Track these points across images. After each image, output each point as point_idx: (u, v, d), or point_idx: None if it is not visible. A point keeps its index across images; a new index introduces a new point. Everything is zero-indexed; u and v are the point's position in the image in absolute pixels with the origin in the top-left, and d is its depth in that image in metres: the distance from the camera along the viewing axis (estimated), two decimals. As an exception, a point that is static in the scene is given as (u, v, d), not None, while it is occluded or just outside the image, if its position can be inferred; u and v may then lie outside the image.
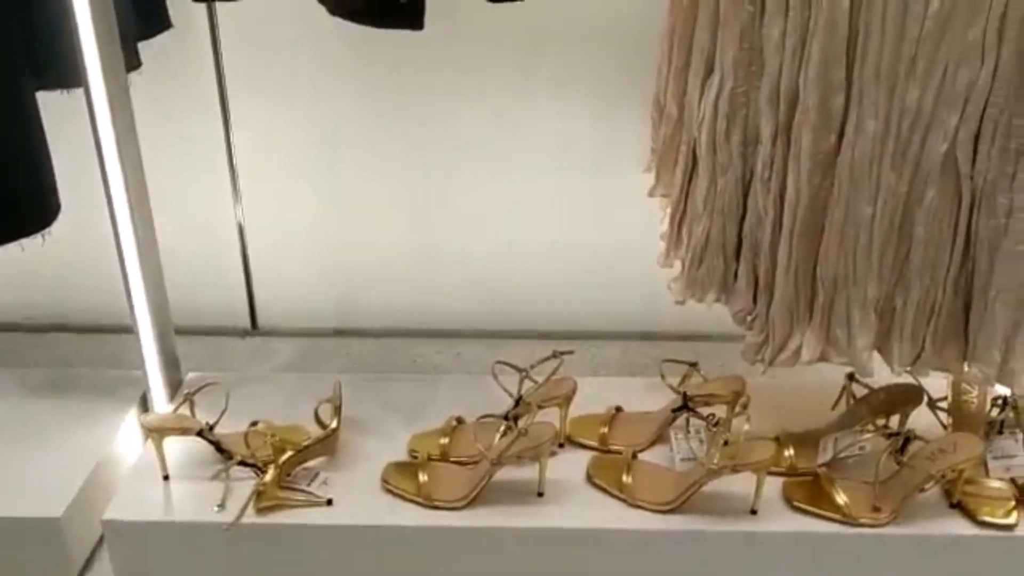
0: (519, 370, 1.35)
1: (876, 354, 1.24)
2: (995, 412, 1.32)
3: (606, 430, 1.38)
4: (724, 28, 1.19)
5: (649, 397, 1.43)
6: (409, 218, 1.77)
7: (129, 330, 1.43)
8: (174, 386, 1.49)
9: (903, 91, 1.09)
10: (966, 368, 1.20)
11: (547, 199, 1.74)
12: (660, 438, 1.38)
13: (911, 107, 1.09)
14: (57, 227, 1.36)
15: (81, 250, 1.60)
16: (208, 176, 1.73)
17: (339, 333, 1.86)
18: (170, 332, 1.48)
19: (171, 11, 1.51)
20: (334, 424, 1.32)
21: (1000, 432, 1.30)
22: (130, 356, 1.46)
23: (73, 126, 1.33)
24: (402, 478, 1.29)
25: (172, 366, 1.50)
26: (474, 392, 1.44)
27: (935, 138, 1.10)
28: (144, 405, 1.48)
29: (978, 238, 1.14)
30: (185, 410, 1.35)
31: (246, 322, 1.86)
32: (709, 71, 1.25)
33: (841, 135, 1.14)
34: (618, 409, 1.42)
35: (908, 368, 1.23)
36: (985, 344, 1.17)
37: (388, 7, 1.05)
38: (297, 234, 1.79)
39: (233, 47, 1.62)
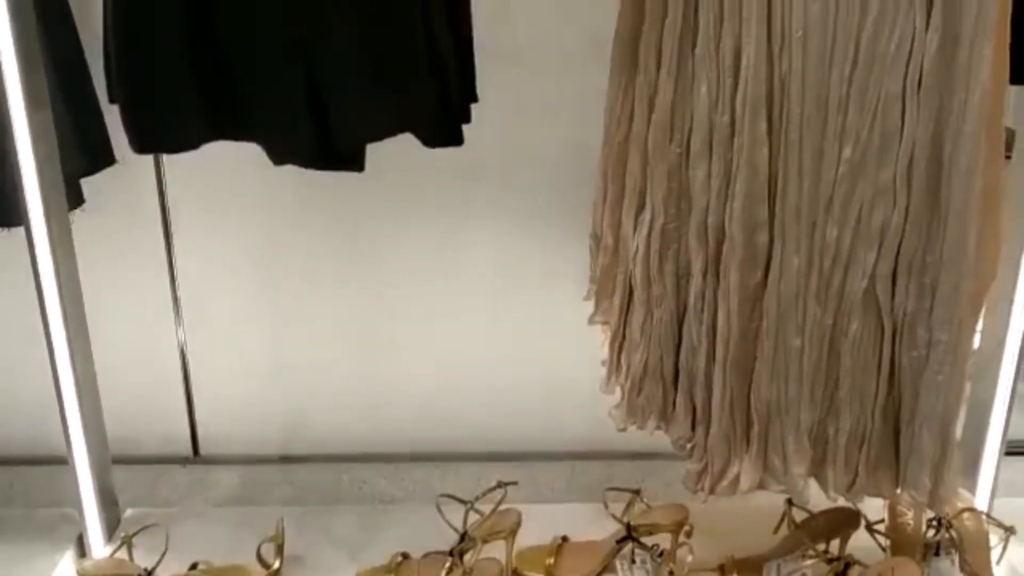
0: (463, 502, 1.35)
1: (813, 480, 1.27)
2: (931, 534, 1.34)
3: (552, 561, 1.37)
4: (653, 169, 1.24)
5: (596, 524, 1.43)
6: (353, 343, 1.78)
7: (64, 461, 1.41)
8: (112, 524, 1.46)
9: (823, 229, 1.14)
10: (899, 493, 1.23)
11: (489, 322, 1.76)
12: (607, 568, 1.38)
13: (831, 245, 1.15)
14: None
15: (16, 378, 1.58)
16: (150, 300, 1.73)
17: (284, 460, 1.84)
18: (107, 466, 1.46)
19: (115, 145, 1.53)
20: (276, 565, 1.30)
21: (937, 554, 1.32)
22: (66, 489, 1.43)
23: (13, 258, 1.33)
24: (345, 618, 1.27)
25: (109, 502, 1.47)
26: (420, 522, 1.42)
27: (855, 274, 1.15)
28: (80, 546, 1.44)
29: (901, 368, 1.18)
30: (123, 553, 1.32)
31: (188, 450, 1.84)
32: (641, 206, 1.30)
33: (767, 270, 1.18)
34: (564, 539, 1.42)
35: (844, 494, 1.25)
36: (915, 470, 1.20)
37: (332, 155, 1.08)
38: (240, 360, 1.79)
39: (177, 174, 1.64)
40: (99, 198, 1.50)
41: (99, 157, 1.51)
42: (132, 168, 1.58)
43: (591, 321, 1.50)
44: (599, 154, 1.40)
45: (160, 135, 1.09)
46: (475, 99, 1.28)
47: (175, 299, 1.73)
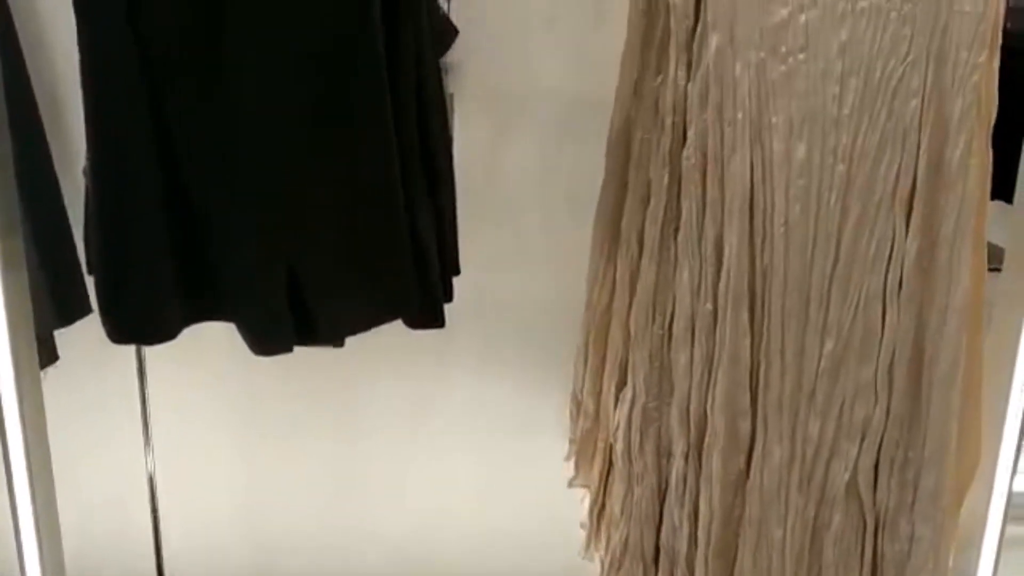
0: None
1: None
2: None
3: None
4: (635, 349, 1.23)
5: None
6: (327, 487, 1.75)
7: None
8: None
9: (805, 421, 1.14)
10: None
11: (465, 470, 1.74)
12: None
13: (813, 437, 1.14)
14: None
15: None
16: (122, 445, 1.70)
17: (254, 604, 1.80)
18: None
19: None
20: None
21: None
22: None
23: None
24: None
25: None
26: None
27: (838, 466, 1.14)
28: None
29: (884, 561, 1.16)
30: None
31: (154, 593, 1.79)
32: (623, 378, 1.29)
33: (750, 457, 1.17)
34: None
35: None
36: (900, 665, 1.18)
37: (312, 342, 1.07)
38: (212, 503, 1.75)
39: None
40: (74, 348, 1.47)
41: (75, 309, 1.49)
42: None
43: (571, 484, 1.48)
44: (581, 314, 1.40)
45: (138, 327, 1.08)
46: (457, 272, 1.28)
47: (147, 444, 1.70)
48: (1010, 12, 1.23)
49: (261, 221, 1.04)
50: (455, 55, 1.52)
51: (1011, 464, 1.16)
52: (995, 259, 1.23)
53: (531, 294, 1.66)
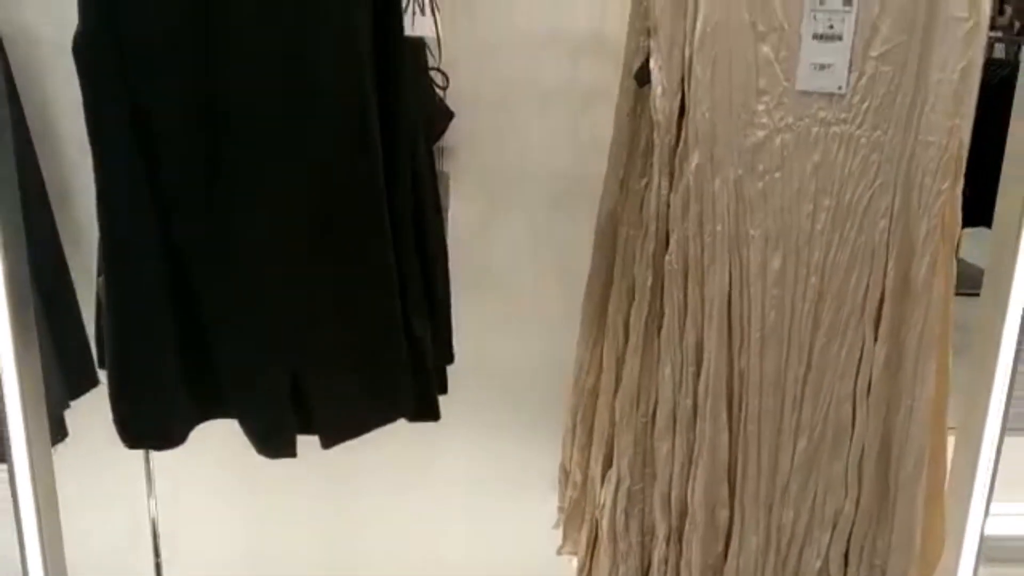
0: None
1: None
2: None
3: None
4: (619, 434, 1.30)
5: None
6: (325, 549, 1.81)
7: None
8: None
9: (779, 512, 1.21)
10: None
11: (462, 528, 1.80)
12: None
13: (787, 526, 1.21)
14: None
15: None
16: (124, 483, 1.74)
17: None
18: None
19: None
20: None
21: None
22: None
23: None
24: None
25: None
26: None
27: (810, 554, 1.22)
28: None
29: (855, 643, 1.24)
30: None
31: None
32: (609, 455, 1.36)
33: (727, 544, 1.24)
34: None
35: None
36: None
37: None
38: (213, 568, 1.81)
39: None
40: (83, 423, 1.53)
41: (83, 380, 1.55)
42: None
43: (559, 552, 1.55)
44: (568, 376, 1.47)
45: (150, 435, 1.14)
46: (451, 361, 1.34)
47: (151, 494, 1.75)
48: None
49: (263, 329, 1.10)
50: (450, 137, 1.58)
51: (975, 551, 1.24)
52: (974, 283, 1.27)
53: (522, 358, 1.71)
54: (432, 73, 1.46)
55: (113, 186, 1.05)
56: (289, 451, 1.13)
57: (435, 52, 1.30)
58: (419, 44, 1.22)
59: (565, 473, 1.51)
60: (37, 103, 1.47)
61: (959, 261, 1.13)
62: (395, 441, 1.74)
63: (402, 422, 1.72)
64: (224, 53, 1.01)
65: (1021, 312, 1.19)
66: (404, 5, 1.09)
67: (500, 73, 1.59)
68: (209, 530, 1.79)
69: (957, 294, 1.13)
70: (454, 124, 1.56)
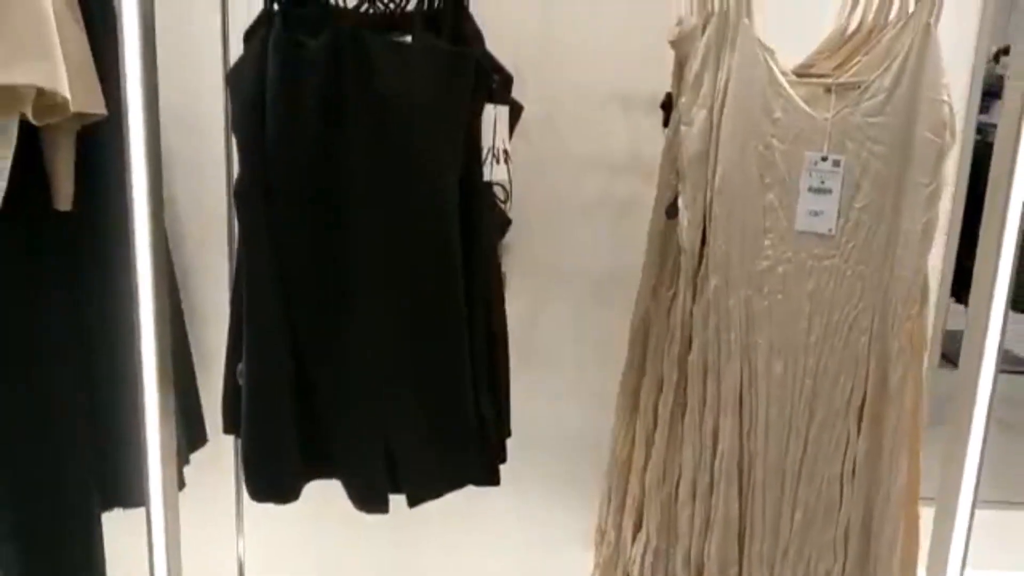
0: None
1: None
2: None
3: None
4: (648, 502, 1.56)
5: None
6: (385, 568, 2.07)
7: None
8: None
9: (780, 571, 1.46)
10: None
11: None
12: None
13: (788, 585, 1.46)
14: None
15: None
16: (215, 523, 2.01)
17: None
18: None
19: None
20: None
21: None
22: None
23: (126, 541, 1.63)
24: None
25: None
26: None
27: (805, 607, 1.46)
28: None
29: None
30: None
31: None
32: (639, 516, 1.62)
33: (738, 598, 1.50)
34: None
35: None
36: None
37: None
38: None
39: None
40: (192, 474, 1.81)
41: (197, 438, 1.83)
42: (215, 444, 1.90)
43: (595, 606, 1.80)
44: (605, 444, 1.72)
45: (273, 492, 1.42)
46: (509, 435, 1.61)
47: (239, 532, 2.02)
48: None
49: (364, 410, 1.38)
50: (508, 239, 1.87)
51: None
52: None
53: (564, 431, 1.98)
54: (495, 188, 1.76)
55: (258, 301, 1.34)
56: (382, 508, 1.40)
57: (508, 189, 1.58)
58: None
59: (600, 533, 1.76)
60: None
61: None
62: (450, 499, 2.01)
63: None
64: (346, 202, 1.31)
65: (989, 387, 1.41)
66: (484, 156, 1.38)
67: (550, 186, 1.89)
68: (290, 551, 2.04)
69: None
70: (511, 229, 1.85)
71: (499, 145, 1.37)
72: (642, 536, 1.59)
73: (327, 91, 1.28)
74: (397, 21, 1.36)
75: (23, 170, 1.33)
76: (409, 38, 1.32)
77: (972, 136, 1.85)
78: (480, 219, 1.38)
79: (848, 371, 1.39)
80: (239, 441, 1.45)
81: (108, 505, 1.64)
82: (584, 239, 1.91)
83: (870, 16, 1.47)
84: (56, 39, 1.30)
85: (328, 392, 1.39)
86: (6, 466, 1.54)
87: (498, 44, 1.56)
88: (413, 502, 1.40)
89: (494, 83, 1.36)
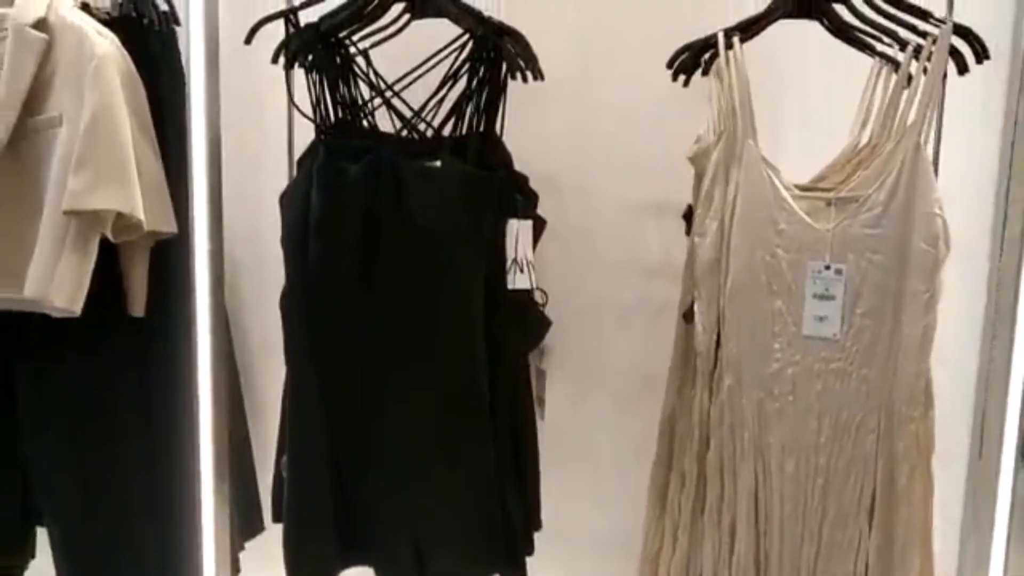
0: None
1: None
2: None
3: None
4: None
5: None
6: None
7: None
8: None
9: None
10: None
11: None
12: None
13: None
14: None
15: None
16: None
17: None
18: None
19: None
20: None
21: None
22: None
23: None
24: None
25: None
26: None
27: None
28: None
29: None
30: None
31: None
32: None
33: None
34: None
35: None
36: None
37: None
38: None
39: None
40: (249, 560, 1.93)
41: (255, 525, 1.96)
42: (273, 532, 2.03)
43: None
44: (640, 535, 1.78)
45: (310, 571, 1.53)
46: (539, 528, 1.69)
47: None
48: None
49: (395, 509, 1.49)
50: (549, 340, 1.98)
51: None
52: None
53: (601, 523, 2.04)
54: (536, 292, 1.88)
55: (298, 401, 1.49)
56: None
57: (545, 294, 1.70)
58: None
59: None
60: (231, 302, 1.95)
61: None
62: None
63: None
64: (379, 312, 1.45)
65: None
66: (508, 266, 1.50)
67: (588, 290, 2.00)
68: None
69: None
70: (552, 330, 1.96)
71: (522, 256, 1.49)
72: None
73: (364, 212, 1.43)
74: (431, 146, 1.51)
75: (101, 279, 1.51)
76: (439, 163, 1.46)
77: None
78: (503, 324, 1.50)
79: (858, 470, 1.44)
80: (284, 529, 1.57)
81: (168, 587, 1.77)
82: (621, 340, 2.01)
83: (876, 132, 1.56)
84: (133, 167, 1.49)
85: (362, 487, 1.51)
86: (79, 542, 1.69)
87: (539, 159, 1.70)
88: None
89: (517, 202, 1.49)
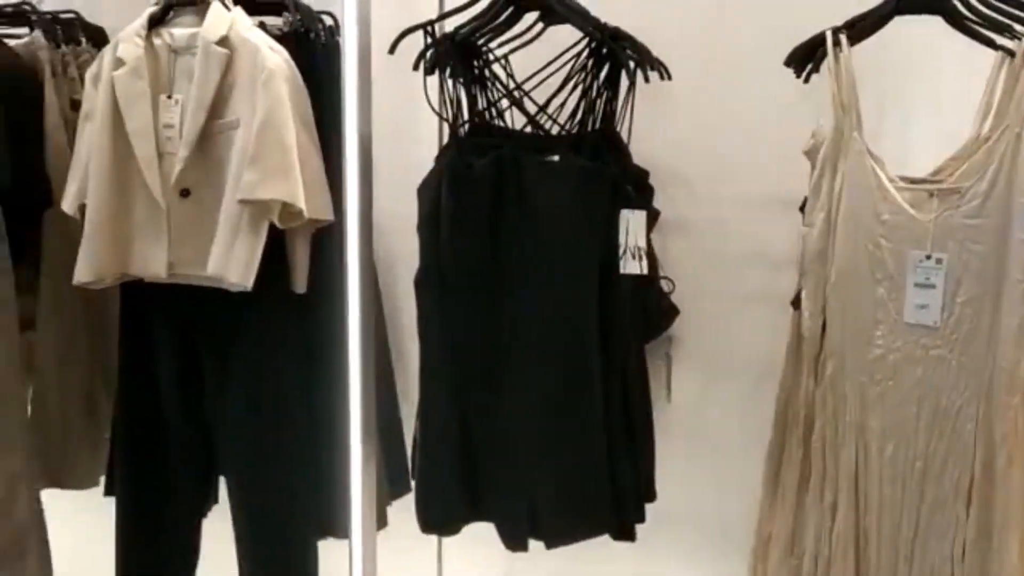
0: None
1: None
2: None
3: None
4: (777, 573, 1.68)
5: None
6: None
7: None
8: None
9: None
10: None
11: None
12: None
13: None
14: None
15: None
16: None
17: None
18: None
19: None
20: None
21: None
22: None
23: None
24: None
25: None
26: None
27: None
28: None
29: None
30: None
31: None
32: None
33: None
34: None
35: None
36: None
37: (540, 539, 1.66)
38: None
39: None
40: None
41: (402, 486, 2.16)
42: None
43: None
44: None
45: (439, 526, 1.72)
46: (653, 499, 1.80)
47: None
48: None
49: (514, 470, 1.65)
50: (676, 328, 2.08)
51: None
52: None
53: (720, 503, 2.11)
54: (663, 282, 1.99)
55: (430, 371, 1.67)
56: (523, 548, 1.66)
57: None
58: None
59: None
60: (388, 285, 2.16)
61: None
62: (616, 556, 2.19)
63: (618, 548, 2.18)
64: (503, 293, 1.62)
65: None
66: (621, 252, 1.63)
67: (716, 281, 2.08)
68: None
69: None
70: (679, 318, 2.06)
71: (633, 243, 1.61)
72: (773, 605, 1.71)
73: (489, 202, 1.59)
74: (551, 143, 1.66)
75: (269, 260, 1.75)
76: (557, 157, 1.61)
77: None
78: (615, 306, 1.62)
79: (956, 455, 1.47)
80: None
81: (322, 534, 2.00)
82: (747, 329, 2.07)
83: (993, 125, 1.58)
84: (297, 163, 1.72)
85: (485, 452, 1.69)
86: (251, 490, 1.95)
87: (670, 155, 1.86)
88: (549, 545, 1.64)
89: (630, 193, 1.62)
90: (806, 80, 1.66)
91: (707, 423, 2.13)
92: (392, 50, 1.72)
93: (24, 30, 2.12)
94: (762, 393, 2.07)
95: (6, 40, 2.08)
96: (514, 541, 1.66)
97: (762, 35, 1.93)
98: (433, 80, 1.73)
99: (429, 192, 1.65)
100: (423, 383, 1.70)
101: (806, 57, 1.62)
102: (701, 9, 2.01)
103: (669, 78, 1.78)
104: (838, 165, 1.56)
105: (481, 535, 1.82)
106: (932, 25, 1.62)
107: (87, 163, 1.80)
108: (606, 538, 1.77)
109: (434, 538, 2.27)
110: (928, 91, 1.90)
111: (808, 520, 1.62)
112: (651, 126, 1.80)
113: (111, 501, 2.02)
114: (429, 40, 1.70)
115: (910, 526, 1.51)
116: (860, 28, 1.58)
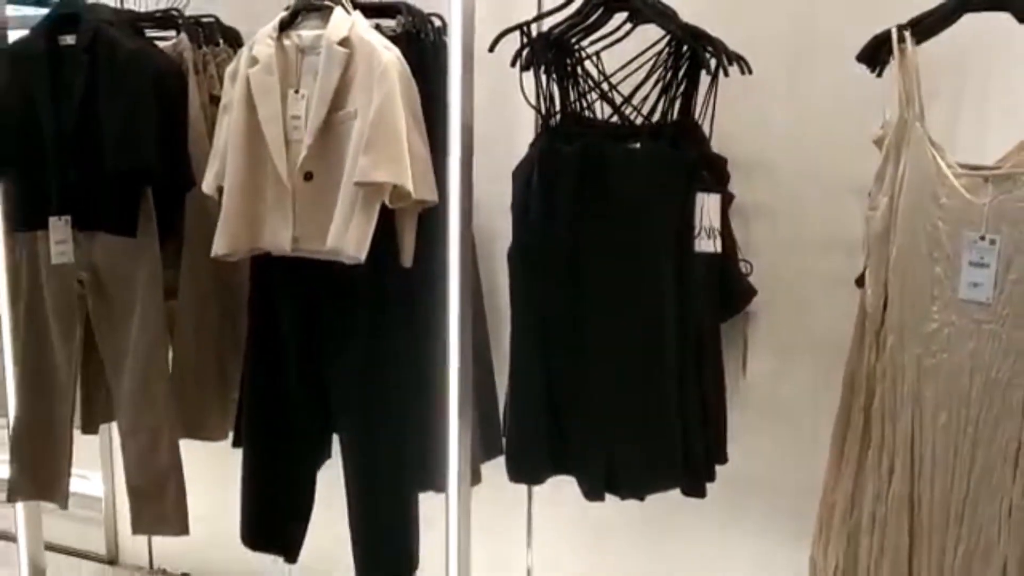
0: None
1: None
2: None
3: None
4: (837, 534, 1.81)
5: None
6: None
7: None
8: None
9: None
10: None
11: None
12: None
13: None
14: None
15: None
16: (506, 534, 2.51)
17: None
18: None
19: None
20: None
21: None
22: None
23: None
24: None
25: None
26: None
27: (969, 636, 1.63)
28: None
29: None
30: None
31: None
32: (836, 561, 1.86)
33: (909, 620, 1.70)
34: None
35: None
36: None
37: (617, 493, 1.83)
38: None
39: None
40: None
41: (494, 449, 2.36)
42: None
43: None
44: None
45: (526, 476, 1.91)
46: (724, 461, 1.95)
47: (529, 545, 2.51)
48: None
49: (596, 427, 1.83)
50: (753, 308, 2.21)
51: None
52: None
53: (798, 473, 2.23)
54: (742, 264, 2.13)
55: (520, 338, 1.86)
56: (600, 499, 1.83)
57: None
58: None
59: (814, 563, 2.01)
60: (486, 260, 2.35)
61: None
62: (693, 517, 2.33)
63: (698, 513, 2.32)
64: (586, 269, 1.80)
65: None
66: (696, 232, 1.79)
67: (794, 263, 2.20)
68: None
69: None
70: (757, 298, 2.19)
71: (708, 224, 1.77)
72: (830, 563, 1.83)
73: (575, 185, 1.77)
74: (633, 131, 1.82)
75: (381, 237, 1.97)
76: (639, 144, 1.77)
77: None
78: (690, 280, 1.78)
79: (1005, 423, 1.58)
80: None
81: (424, 488, 2.21)
82: (823, 310, 2.19)
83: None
84: (406, 150, 1.93)
85: (569, 412, 1.87)
86: (361, 446, 2.17)
87: (754, 144, 2.01)
88: (623, 496, 1.82)
89: (705, 177, 1.77)
90: (879, 74, 1.77)
91: (781, 399, 2.25)
92: (492, 48, 1.91)
93: (171, 33, 2.40)
94: (834, 371, 2.17)
95: (156, 42, 2.37)
96: (593, 493, 1.84)
97: (843, 29, 2.05)
98: (528, 75, 1.92)
99: (522, 175, 1.83)
100: (513, 349, 1.89)
101: (874, 53, 1.74)
102: (789, 3, 2.14)
103: (750, 72, 1.92)
104: (901, 152, 1.68)
105: (563, 491, 2.00)
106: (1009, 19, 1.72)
107: (225, 150, 2.05)
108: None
109: (523, 494, 2.47)
110: (1003, 85, 1.99)
111: (867, 483, 1.74)
112: (735, 116, 1.95)
113: (238, 452, 2.26)
114: (525, 39, 1.88)
115: (961, 488, 1.62)
116: (926, 25, 1.68)
